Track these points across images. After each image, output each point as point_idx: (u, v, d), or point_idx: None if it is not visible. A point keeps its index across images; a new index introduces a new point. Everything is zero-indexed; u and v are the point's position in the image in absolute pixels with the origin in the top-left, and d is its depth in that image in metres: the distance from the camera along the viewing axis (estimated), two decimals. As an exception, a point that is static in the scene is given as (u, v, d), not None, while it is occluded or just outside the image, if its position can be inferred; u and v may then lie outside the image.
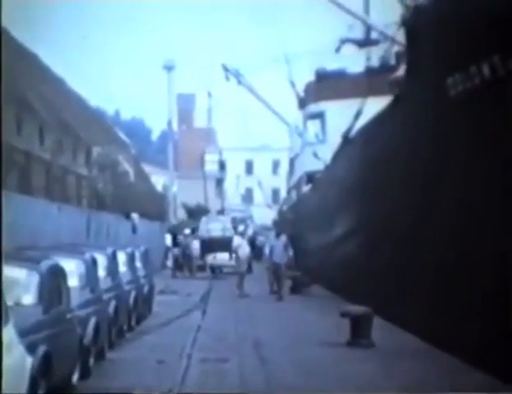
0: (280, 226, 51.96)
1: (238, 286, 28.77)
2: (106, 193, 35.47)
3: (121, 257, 18.88)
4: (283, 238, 29.46)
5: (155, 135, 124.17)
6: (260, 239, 51.10)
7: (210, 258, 43.13)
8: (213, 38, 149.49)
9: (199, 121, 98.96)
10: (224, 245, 45.10)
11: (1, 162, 10.39)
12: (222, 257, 42.53)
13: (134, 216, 38.39)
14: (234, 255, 37.44)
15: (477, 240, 13.50)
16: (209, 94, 42.69)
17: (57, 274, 11.14)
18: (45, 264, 10.89)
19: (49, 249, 15.09)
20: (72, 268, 12.81)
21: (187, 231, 45.28)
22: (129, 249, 20.61)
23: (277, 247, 28.49)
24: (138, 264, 21.26)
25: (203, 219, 48.46)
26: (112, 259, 17.29)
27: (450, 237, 14.70)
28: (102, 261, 15.93)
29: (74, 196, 30.13)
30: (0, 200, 11.42)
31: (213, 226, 47.56)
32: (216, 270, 42.47)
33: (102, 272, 15.71)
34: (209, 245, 43.93)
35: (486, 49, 12.83)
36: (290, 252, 28.74)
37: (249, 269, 33.35)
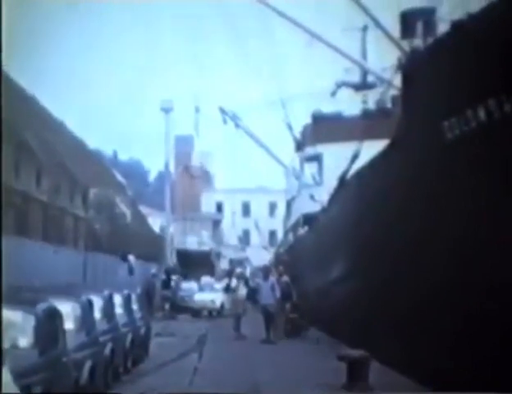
0: (273, 267, 51.83)
1: (235, 328, 28.65)
2: (103, 234, 35.49)
3: (118, 299, 18.87)
4: (271, 279, 29.23)
5: (152, 177, 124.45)
6: (257, 281, 50.94)
7: (196, 299, 41.96)
8: (210, 81, 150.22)
9: (197, 163, 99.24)
10: (199, 258, 45.00)
11: (1, 205, 10.44)
12: (208, 298, 41.72)
13: (131, 257, 38.37)
14: (228, 297, 37.33)
15: (473, 284, 13.50)
16: (197, 109, 42.80)
17: (54, 317, 11.12)
18: (41, 307, 10.88)
19: (45, 291, 15.08)
20: (68, 311, 12.79)
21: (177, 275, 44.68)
22: (125, 292, 20.60)
23: (265, 289, 28.33)
24: (134, 306, 21.21)
25: (178, 229, 47.42)
26: (109, 302, 17.28)
27: (447, 281, 14.70)
28: (98, 303, 15.94)
29: (71, 237, 30.15)
30: (0, 244, 11.44)
31: (189, 240, 47.41)
32: (200, 313, 40.95)
33: (98, 314, 15.71)
34: (185, 258, 43.61)
35: (482, 93, 12.94)
36: (278, 293, 28.47)
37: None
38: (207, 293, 42.63)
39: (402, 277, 17.24)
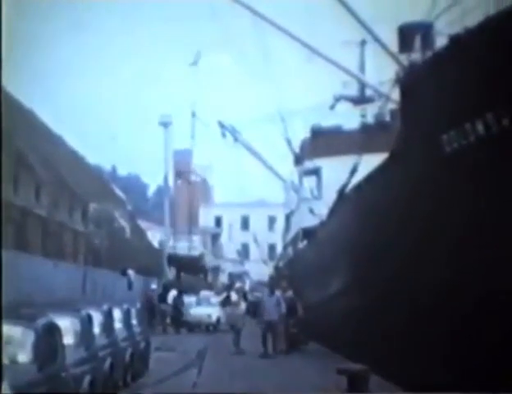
0: (276, 282, 51.76)
1: (234, 343, 28.60)
2: (102, 249, 35.50)
3: (117, 314, 18.84)
4: (277, 294, 29.16)
5: (151, 191, 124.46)
6: (256, 295, 50.84)
7: (192, 313, 41.52)
8: (209, 94, 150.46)
9: (196, 177, 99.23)
10: (190, 262, 44.58)
11: (1, 220, 10.46)
12: (204, 312, 41.32)
13: (130, 272, 38.34)
14: (224, 311, 37.19)
15: (472, 298, 13.52)
16: (193, 114, 42.63)
17: (53, 332, 11.12)
18: (40, 322, 10.88)
19: (45, 306, 15.07)
20: (67, 326, 12.78)
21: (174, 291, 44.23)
22: (125, 306, 20.57)
23: (269, 304, 28.21)
24: (134, 321, 21.17)
25: (170, 236, 47.12)
26: (108, 316, 17.26)
27: (447, 294, 14.70)
28: (97, 318, 15.91)
29: (70, 252, 30.15)
30: (0, 259, 11.46)
31: (180, 245, 47.14)
32: (195, 327, 40.20)
33: (97, 329, 15.69)
34: (175, 262, 43.26)
35: (481, 107, 12.99)
36: (283, 309, 28.40)
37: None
38: (203, 307, 42.23)
39: (402, 290, 17.24)
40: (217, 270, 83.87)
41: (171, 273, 65.57)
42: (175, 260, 45.88)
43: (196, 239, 53.52)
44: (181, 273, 57.31)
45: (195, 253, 43.71)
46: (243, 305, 31.29)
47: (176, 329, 39.62)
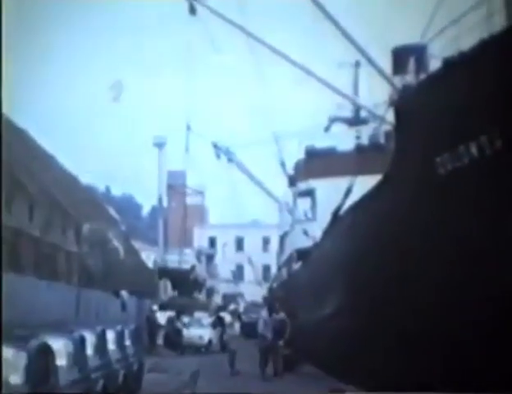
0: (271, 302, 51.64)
1: (229, 364, 28.52)
2: (96, 270, 35.39)
3: (110, 335, 18.77)
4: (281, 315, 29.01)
5: (145, 211, 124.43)
6: (252, 316, 50.63)
7: (184, 334, 41.17)
8: (204, 115, 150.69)
9: (190, 198, 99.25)
10: (180, 276, 44.07)
11: (0, 243, 10.44)
12: (195, 334, 40.99)
13: (124, 293, 38.20)
14: (216, 333, 37.06)
15: (466, 320, 13.51)
16: (188, 127, 42.46)
17: (45, 353, 11.07)
18: (33, 343, 10.84)
19: (38, 328, 14.99)
20: (60, 347, 12.73)
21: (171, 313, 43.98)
22: (118, 327, 20.49)
23: (268, 325, 28.14)
24: (127, 342, 21.09)
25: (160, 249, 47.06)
26: (101, 338, 17.20)
27: (440, 315, 14.69)
28: (90, 339, 15.85)
29: (63, 272, 30.05)
30: (0, 281, 11.43)
31: (170, 258, 46.99)
32: (187, 348, 39.70)
33: (90, 350, 15.62)
34: (166, 274, 42.92)
35: (474, 129, 13.02)
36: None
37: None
38: (194, 329, 41.98)
39: (395, 314, 17.21)
40: (211, 291, 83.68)
41: (165, 293, 65.49)
42: (165, 273, 45.71)
43: (188, 252, 53.35)
44: (175, 291, 57.13)
45: (186, 266, 43.68)
46: (237, 327, 31.20)
47: (176, 351, 39.41)
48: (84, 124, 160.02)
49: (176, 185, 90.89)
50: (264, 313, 30.09)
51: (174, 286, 48.76)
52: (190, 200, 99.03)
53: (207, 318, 45.78)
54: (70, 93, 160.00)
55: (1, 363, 8.21)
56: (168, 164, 73.72)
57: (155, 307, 44.01)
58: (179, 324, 41.70)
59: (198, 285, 60.45)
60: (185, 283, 46.71)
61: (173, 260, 47.94)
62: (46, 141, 27.45)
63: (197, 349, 40.07)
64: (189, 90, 65.98)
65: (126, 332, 21.45)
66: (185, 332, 41.08)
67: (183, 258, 48.44)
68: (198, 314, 49.46)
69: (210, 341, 40.44)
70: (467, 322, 13.53)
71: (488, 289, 13.04)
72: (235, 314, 41.89)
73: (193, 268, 58.76)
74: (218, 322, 41.31)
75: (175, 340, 40.72)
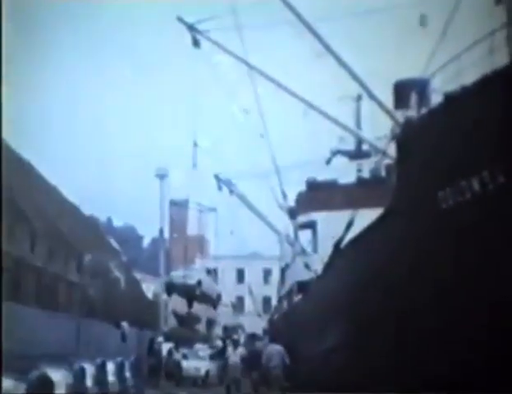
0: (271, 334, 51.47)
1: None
2: (97, 300, 35.34)
3: (110, 367, 18.77)
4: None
5: (146, 242, 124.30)
6: (251, 347, 50.27)
7: (184, 367, 40.53)
8: (205, 147, 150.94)
9: (191, 229, 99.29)
10: (184, 289, 43.75)
11: (1, 273, 10.45)
12: (192, 365, 40.41)
13: (124, 324, 38.08)
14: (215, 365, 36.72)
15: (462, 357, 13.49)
16: (195, 143, 42.39)
17: (45, 385, 11.03)
18: (33, 375, 10.81)
19: (38, 358, 14.98)
20: (60, 379, 12.73)
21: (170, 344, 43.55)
22: (118, 359, 20.48)
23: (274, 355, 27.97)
24: (127, 374, 21.05)
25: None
26: (101, 369, 17.20)
27: (441, 347, 14.65)
28: (90, 371, 15.86)
29: (64, 303, 30.01)
30: (0, 312, 11.45)
31: (175, 274, 46.70)
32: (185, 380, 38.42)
33: (90, 382, 15.62)
34: (171, 289, 42.65)
35: (476, 164, 13.06)
36: (287, 361, 28.11)
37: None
38: (191, 360, 41.48)
39: (397, 350, 17.16)
40: (212, 322, 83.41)
41: (165, 324, 65.28)
42: (173, 288, 45.68)
43: (194, 267, 53.30)
44: (190, 307, 56.39)
45: (190, 281, 43.66)
46: (237, 358, 31.00)
47: (176, 383, 38.91)
48: (86, 155, 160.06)
49: (177, 216, 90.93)
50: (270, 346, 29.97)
51: (184, 300, 48.40)
52: (191, 232, 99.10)
53: (205, 350, 45.32)
54: (72, 120, 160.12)
55: (1, 394, 8.20)
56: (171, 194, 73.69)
57: (160, 338, 43.61)
58: (177, 355, 41.31)
59: (207, 298, 59.96)
60: (192, 297, 46.61)
61: (177, 276, 48.01)
62: (48, 172, 27.59)
63: (194, 381, 39.51)
64: (193, 120, 66.36)
65: (126, 364, 21.41)
66: (184, 364, 40.54)
67: (188, 274, 48.61)
68: (198, 346, 49.11)
69: (207, 373, 39.94)
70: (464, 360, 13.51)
71: (491, 318, 13.02)
72: (236, 346, 41.52)
73: (199, 282, 58.50)
74: (218, 355, 40.97)
75: (174, 371, 40.28)
